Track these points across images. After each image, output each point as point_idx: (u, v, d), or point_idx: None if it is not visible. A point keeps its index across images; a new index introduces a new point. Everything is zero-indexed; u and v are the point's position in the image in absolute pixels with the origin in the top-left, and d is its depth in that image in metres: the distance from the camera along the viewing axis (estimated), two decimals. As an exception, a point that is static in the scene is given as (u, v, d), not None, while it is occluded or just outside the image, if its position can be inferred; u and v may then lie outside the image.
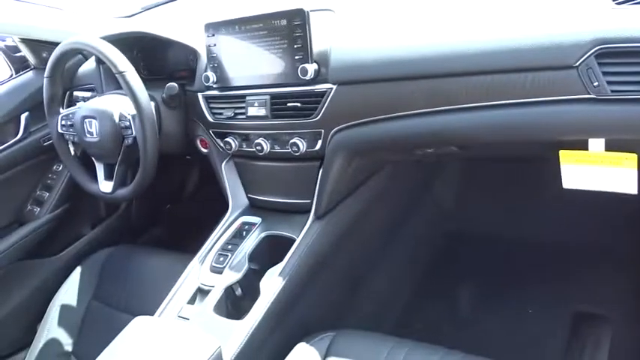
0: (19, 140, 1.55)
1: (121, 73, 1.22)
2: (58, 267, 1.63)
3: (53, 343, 1.41)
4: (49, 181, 1.65)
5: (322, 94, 1.09)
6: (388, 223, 1.50)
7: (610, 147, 0.90)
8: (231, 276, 1.15)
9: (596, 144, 0.90)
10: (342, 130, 1.10)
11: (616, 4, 0.85)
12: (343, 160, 1.14)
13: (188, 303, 1.14)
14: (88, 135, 1.34)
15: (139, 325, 1.02)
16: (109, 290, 1.44)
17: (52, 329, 1.41)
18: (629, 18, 0.80)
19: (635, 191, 0.92)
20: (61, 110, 1.43)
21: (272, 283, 1.10)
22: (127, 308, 1.36)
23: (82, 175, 1.43)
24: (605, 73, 0.81)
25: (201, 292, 1.16)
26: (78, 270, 1.52)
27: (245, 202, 1.33)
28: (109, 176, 1.38)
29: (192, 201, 2.00)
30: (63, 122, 1.41)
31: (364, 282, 1.44)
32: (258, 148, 1.21)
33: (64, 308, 1.46)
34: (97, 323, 1.40)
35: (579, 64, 0.82)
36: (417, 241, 1.71)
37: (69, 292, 1.48)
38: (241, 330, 1.03)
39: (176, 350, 0.95)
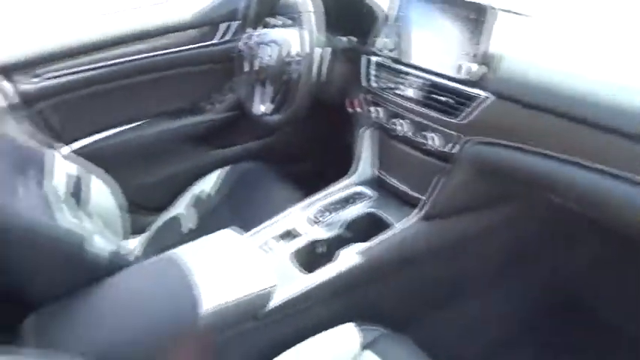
0: (213, 45, 1.72)
1: (308, 12, 1.27)
2: (206, 161, 1.81)
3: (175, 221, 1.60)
4: (224, 89, 1.82)
5: (475, 100, 1.02)
6: (513, 258, 1.37)
7: None
8: (321, 233, 1.19)
9: None
10: (482, 143, 1.03)
11: None
12: (471, 174, 1.08)
13: (273, 238, 1.20)
14: (265, 57, 1.44)
15: (223, 235, 1.11)
16: (230, 199, 1.57)
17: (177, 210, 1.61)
18: None
19: None
20: (253, 30, 1.56)
21: (351, 257, 1.11)
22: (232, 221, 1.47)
23: (246, 92, 1.55)
24: None
25: (290, 235, 1.21)
26: (218, 172, 1.68)
27: (369, 173, 1.34)
28: (267, 100, 1.48)
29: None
30: (250, 40, 1.53)
31: (456, 301, 1.36)
32: (398, 128, 1.19)
33: (194, 197, 1.64)
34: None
35: None
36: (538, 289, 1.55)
37: (204, 186, 1.65)
38: (302, 284, 1.07)
39: (236, 269, 1.02)
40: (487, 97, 1.00)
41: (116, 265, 1.08)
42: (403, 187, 1.25)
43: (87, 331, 0.95)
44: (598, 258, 1.39)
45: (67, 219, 1.12)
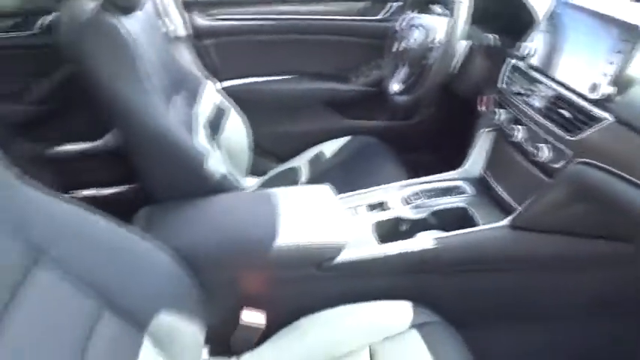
0: (374, 20, 1.82)
1: (460, 2, 1.29)
2: (334, 127, 1.92)
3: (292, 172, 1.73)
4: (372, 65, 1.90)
5: (596, 120, 0.97)
6: (596, 302, 1.28)
7: None
8: (408, 212, 1.23)
9: None
10: (588, 164, 0.98)
11: None
12: (569, 194, 1.03)
13: (364, 205, 1.27)
14: (411, 40, 1.49)
15: (320, 189, 1.21)
16: (344, 165, 1.66)
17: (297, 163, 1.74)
18: None
19: None
20: (411, 12, 1.61)
21: (427, 241, 1.13)
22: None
23: (388, 69, 1.61)
24: None
25: (380, 207, 1.27)
26: (342, 139, 1.78)
27: (475, 172, 1.33)
28: (401, 80, 1.53)
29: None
30: (403, 23, 1.58)
31: (519, 321, 1.30)
32: (515, 133, 1.17)
33: (314, 156, 1.77)
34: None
35: None
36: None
37: (325, 148, 1.77)
38: (372, 251, 1.12)
39: (317, 219, 1.11)
40: (606, 119, 0.95)
41: (224, 186, 1.24)
42: (502, 193, 1.23)
43: (183, 230, 1.12)
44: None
45: (199, 139, 1.30)
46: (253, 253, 1.09)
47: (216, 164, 1.25)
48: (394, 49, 1.62)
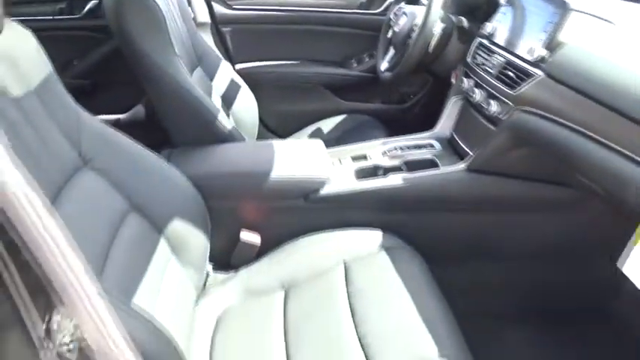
0: (373, 14, 2.10)
1: None
2: (333, 107, 2.18)
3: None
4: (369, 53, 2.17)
5: (531, 76, 1.20)
6: (544, 240, 1.47)
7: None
8: (385, 161, 1.46)
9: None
10: (525, 112, 1.20)
11: None
12: (510, 138, 1.25)
13: (349, 156, 1.51)
14: (397, 24, 1.74)
15: (311, 142, 1.47)
16: (340, 139, 1.91)
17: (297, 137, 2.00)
18: None
19: None
20: (401, 3, 1.86)
21: (397, 179, 1.36)
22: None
23: (380, 51, 1.86)
24: None
25: (361, 158, 1.51)
26: (339, 117, 2.04)
27: (444, 132, 1.56)
28: (388, 60, 1.77)
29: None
30: (395, 11, 1.84)
31: (476, 254, 1.47)
32: (475, 95, 1.40)
33: (313, 132, 2.02)
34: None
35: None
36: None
37: (323, 125, 2.02)
38: (351, 185, 1.36)
39: (306, 161, 1.37)
40: (539, 75, 1.18)
41: (232, 138, 1.49)
42: (464, 146, 1.45)
43: (197, 165, 1.36)
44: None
45: (213, 101, 1.56)
46: (251, 185, 1.34)
47: (226, 121, 1.51)
48: (386, 36, 1.87)
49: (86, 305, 0.57)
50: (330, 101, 2.18)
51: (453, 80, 1.61)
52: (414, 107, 2.14)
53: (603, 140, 1.00)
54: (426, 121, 1.70)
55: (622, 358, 1.38)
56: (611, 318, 1.48)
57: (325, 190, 1.34)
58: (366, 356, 0.99)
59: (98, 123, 1.11)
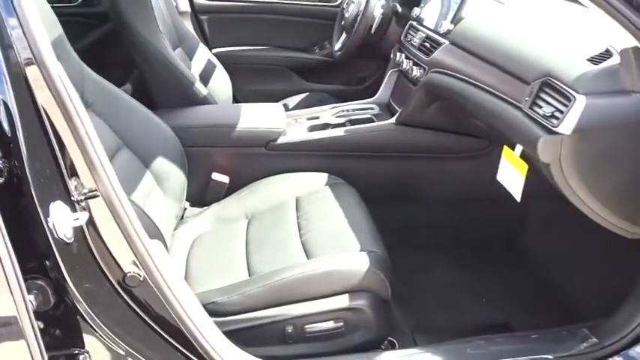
0: (334, 6, 2.46)
1: None
2: (297, 87, 2.49)
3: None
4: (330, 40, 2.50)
5: (440, 45, 1.54)
6: (462, 184, 1.75)
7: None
8: (332, 120, 1.79)
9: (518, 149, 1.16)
10: (436, 72, 1.53)
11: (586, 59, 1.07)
12: (424, 94, 1.58)
13: (304, 117, 1.83)
14: (347, 11, 2.08)
15: (272, 105, 1.83)
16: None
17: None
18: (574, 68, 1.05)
19: (517, 198, 1.15)
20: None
21: (339, 132, 1.68)
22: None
23: (335, 35, 2.21)
24: (537, 97, 1.09)
25: (314, 118, 1.83)
26: (302, 95, 2.36)
27: (384, 98, 1.89)
28: (341, 42, 2.11)
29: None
30: (346, 1, 2.17)
31: (407, 197, 1.74)
32: (403, 65, 1.74)
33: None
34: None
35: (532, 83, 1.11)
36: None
37: (289, 101, 2.34)
38: (302, 136, 1.69)
39: (265, 116, 1.69)
40: (444, 43, 1.51)
41: (207, 101, 1.79)
42: (397, 107, 1.78)
43: (176, 119, 1.66)
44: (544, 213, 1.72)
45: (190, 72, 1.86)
46: (221, 135, 1.65)
47: (202, 87, 1.82)
48: (340, 22, 2.20)
49: (103, 167, 0.87)
50: (295, 82, 2.50)
51: (392, 56, 1.94)
52: (369, 89, 2.46)
53: (489, 89, 1.32)
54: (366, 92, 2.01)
55: (525, 279, 1.68)
56: (517, 247, 1.80)
57: (282, 140, 1.66)
58: (306, 254, 1.29)
59: (99, 77, 1.40)
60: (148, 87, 1.77)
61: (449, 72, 1.47)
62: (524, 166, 1.15)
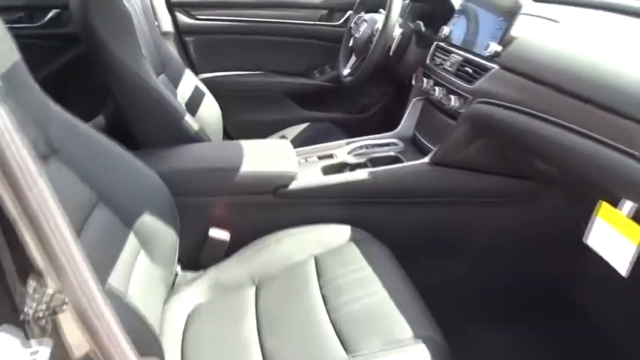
0: (333, 26, 2.21)
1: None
2: (295, 116, 2.21)
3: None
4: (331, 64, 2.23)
5: (487, 70, 1.27)
6: (510, 233, 1.52)
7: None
8: (350, 159, 1.50)
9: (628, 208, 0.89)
10: (483, 102, 1.27)
11: None
12: (468, 130, 1.31)
13: (316, 156, 1.54)
14: (357, 31, 1.80)
15: (279, 141, 1.56)
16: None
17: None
18: None
19: (623, 272, 0.88)
20: (361, 13, 1.93)
21: (363, 174, 1.39)
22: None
23: (342, 58, 1.92)
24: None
25: (328, 157, 1.54)
26: (301, 125, 2.09)
27: (407, 132, 1.62)
28: (350, 66, 1.83)
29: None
30: (355, 20, 1.90)
31: (442, 248, 1.49)
32: (434, 93, 1.47)
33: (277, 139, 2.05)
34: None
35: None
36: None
37: (287, 133, 2.05)
38: (318, 181, 1.39)
39: (273, 158, 1.41)
40: (494, 67, 1.25)
41: (199, 139, 1.49)
42: (427, 143, 1.51)
43: (165, 161, 1.36)
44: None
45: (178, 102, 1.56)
46: (219, 181, 1.35)
47: (193, 122, 1.51)
48: (348, 44, 1.93)
49: (71, 267, 0.57)
50: (293, 111, 2.21)
51: (414, 82, 1.67)
52: (376, 116, 2.20)
53: (556, 120, 1.05)
54: (387, 126, 1.75)
55: (584, 342, 1.43)
56: (573, 305, 1.54)
57: (293, 185, 1.36)
58: (340, 339, 1.00)
59: (67, 114, 1.10)
60: (128, 122, 1.46)
61: (501, 102, 1.20)
62: (639, 232, 0.87)
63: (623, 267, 0.91)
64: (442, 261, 1.48)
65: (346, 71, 1.84)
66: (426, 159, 1.41)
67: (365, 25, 1.78)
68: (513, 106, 1.17)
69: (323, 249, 1.27)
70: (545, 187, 1.38)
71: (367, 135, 1.70)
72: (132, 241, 1.12)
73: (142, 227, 1.14)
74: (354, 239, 1.29)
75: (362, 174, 1.39)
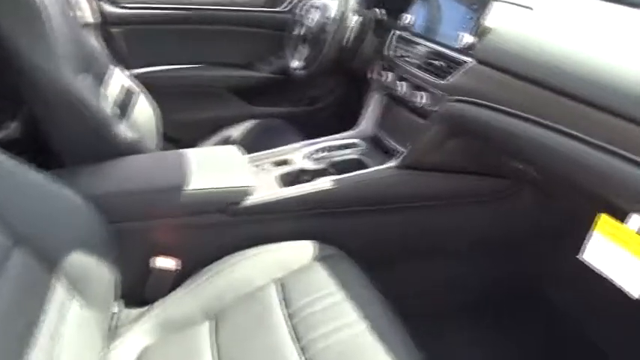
0: (277, 12, 1.99)
1: None
2: (240, 112, 2.03)
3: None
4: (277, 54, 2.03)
5: (461, 64, 1.14)
6: (481, 232, 1.43)
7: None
8: (309, 165, 1.34)
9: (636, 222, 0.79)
10: (459, 101, 1.14)
11: None
12: (442, 130, 1.19)
13: (270, 163, 1.37)
14: (309, 20, 1.63)
15: (227, 148, 1.36)
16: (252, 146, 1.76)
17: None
18: None
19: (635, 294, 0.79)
20: (308, -1, 1.76)
21: (325, 183, 1.24)
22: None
23: (290, 49, 1.74)
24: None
25: (284, 163, 1.38)
26: (247, 123, 1.92)
27: (368, 130, 1.48)
28: (301, 58, 1.66)
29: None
30: (302, 7, 1.73)
31: (413, 254, 1.40)
32: (399, 89, 1.33)
33: (221, 140, 1.86)
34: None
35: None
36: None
37: (232, 132, 1.87)
38: (272, 195, 1.22)
39: (224, 170, 1.23)
40: (470, 62, 1.12)
41: (136, 149, 1.29)
42: (392, 143, 1.38)
43: (94, 184, 1.15)
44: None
45: (106, 107, 1.34)
46: (161, 202, 1.15)
47: (126, 129, 1.30)
48: (295, 33, 1.75)
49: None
50: (237, 106, 2.02)
51: (372, 75, 1.52)
52: (328, 108, 2.04)
53: (539, 120, 0.95)
54: (341, 121, 1.60)
55: (561, 343, 1.38)
56: (548, 304, 1.47)
57: (248, 201, 1.19)
58: None
59: None
60: (47, 135, 1.23)
61: (481, 101, 1.08)
62: None
63: (633, 287, 0.81)
64: (417, 265, 1.38)
65: (296, 63, 1.66)
66: (395, 162, 1.27)
67: (315, 12, 1.61)
68: (493, 104, 1.05)
69: (286, 271, 1.12)
70: (520, 185, 1.28)
71: (319, 131, 1.55)
72: (58, 288, 0.92)
73: (71, 268, 0.94)
74: (319, 257, 1.14)
75: (325, 183, 1.24)
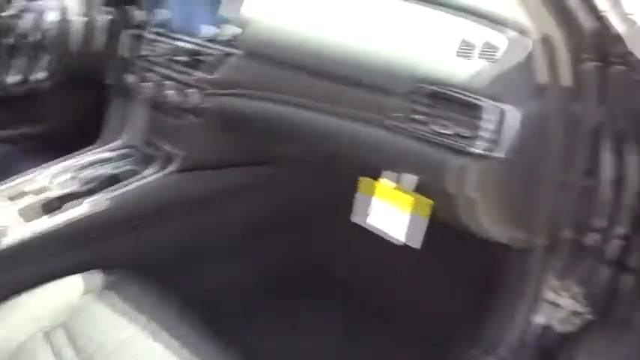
0: None
1: None
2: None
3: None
4: None
5: (224, 57, 1.13)
6: (268, 221, 1.44)
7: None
8: (55, 191, 1.17)
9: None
10: (227, 95, 1.12)
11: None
12: (213, 127, 1.17)
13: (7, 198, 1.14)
14: (23, 27, 1.39)
15: None
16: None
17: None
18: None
19: (418, 245, 0.89)
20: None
21: (80, 209, 1.11)
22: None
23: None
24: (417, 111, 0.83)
25: (22, 195, 1.16)
26: None
27: (138, 140, 1.36)
28: (18, 71, 1.41)
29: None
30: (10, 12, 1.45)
31: (209, 257, 1.35)
32: (143, 90, 1.27)
33: None
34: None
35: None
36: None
37: None
38: (18, 235, 1.04)
39: None
40: (235, 53, 1.11)
41: None
42: (159, 147, 1.27)
43: None
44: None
45: None
46: None
47: None
48: (6, 42, 1.48)
49: None
50: None
51: (110, 81, 1.39)
52: (65, 127, 1.77)
53: (307, 103, 1.00)
54: (85, 136, 1.42)
55: (355, 320, 1.44)
56: (340, 284, 1.52)
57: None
58: None
59: None
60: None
61: (249, 92, 1.08)
62: (409, 200, 0.87)
63: (398, 235, 0.91)
64: (215, 266, 1.33)
65: (13, 78, 1.40)
66: (171, 167, 1.20)
67: (27, 16, 1.38)
68: (260, 94, 1.06)
69: (65, 313, 0.94)
70: (293, 167, 1.33)
71: (64, 152, 1.35)
72: None
73: None
74: (105, 287, 1.00)
75: (92, 205, 1.08)
